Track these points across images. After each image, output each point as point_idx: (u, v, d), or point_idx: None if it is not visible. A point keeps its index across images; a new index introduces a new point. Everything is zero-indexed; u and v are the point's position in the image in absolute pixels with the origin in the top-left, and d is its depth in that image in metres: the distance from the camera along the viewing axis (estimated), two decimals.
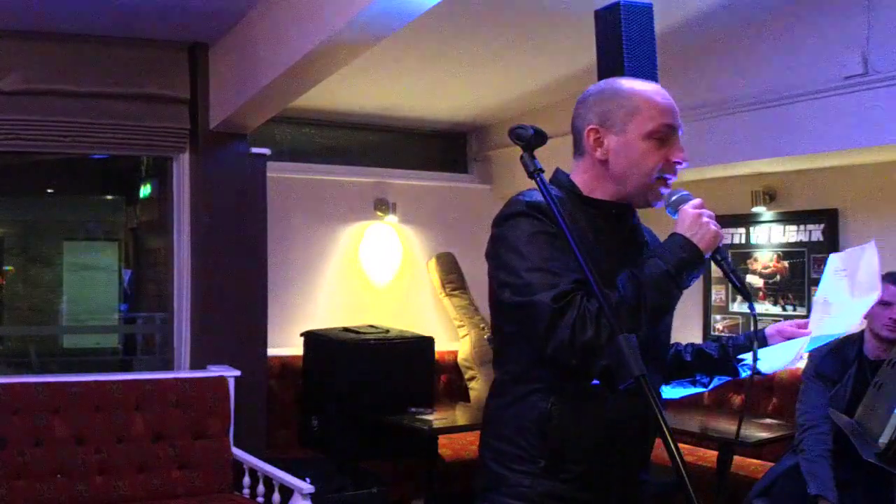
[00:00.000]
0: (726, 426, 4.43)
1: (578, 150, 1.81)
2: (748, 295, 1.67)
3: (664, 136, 1.72)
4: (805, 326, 1.87)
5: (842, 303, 1.84)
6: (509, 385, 1.77)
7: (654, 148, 1.72)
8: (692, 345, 1.99)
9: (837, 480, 3.35)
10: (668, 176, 1.74)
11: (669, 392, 1.98)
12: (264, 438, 4.87)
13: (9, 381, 4.15)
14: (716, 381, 1.96)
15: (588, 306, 1.56)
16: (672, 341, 1.96)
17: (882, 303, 3.43)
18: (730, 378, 1.93)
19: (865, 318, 3.49)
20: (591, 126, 1.77)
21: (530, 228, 1.65)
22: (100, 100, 4.59)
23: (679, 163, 1.73)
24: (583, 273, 1.51)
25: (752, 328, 1.77)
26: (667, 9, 3.86)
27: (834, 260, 1.92)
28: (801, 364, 1.79)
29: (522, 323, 1.67)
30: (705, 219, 1.65)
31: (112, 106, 4.62)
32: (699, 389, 1.99)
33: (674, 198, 1.72)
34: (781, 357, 1.78)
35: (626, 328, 1.48)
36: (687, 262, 1.62)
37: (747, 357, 1.83)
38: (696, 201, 1.70)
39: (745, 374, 1.86)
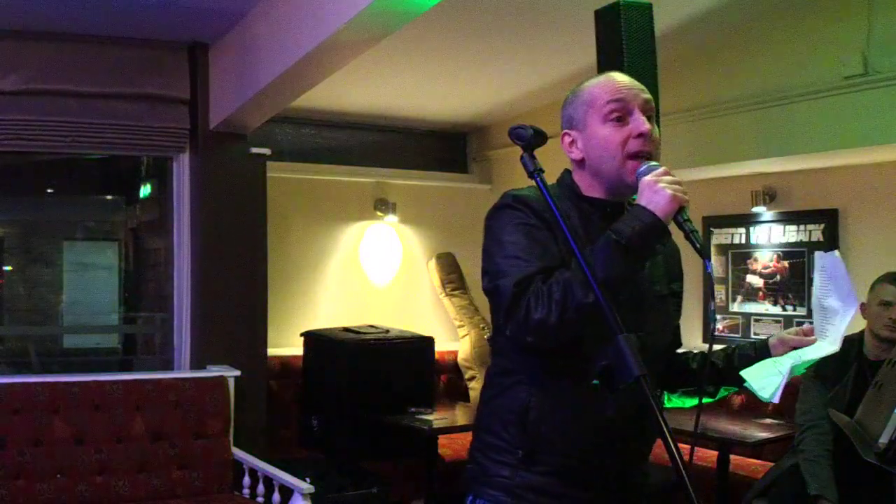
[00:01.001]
0: (726, 426, 4.42)
1: None
2: (704, 253, 1.65)
3: (619, 114, 1.74)
4: (810, 333, 1.85)
5: (834, 310, 1.83)
6: (497, 377, 1.82)
7: (614, 129, 1.74)
8: (701, 353, 2.00)
9: (837, 480, 3.35)
10: (637, 150, 1.72)
11: (677, 401, 2.00)
12: (264, 438, 4.87)
13: (9, 381, 4.15)
14: (722, 391, 1.96)
15: (543, 288, 1.60)
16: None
17: (882, 303, 3.43)
18: (736, 388, 1.93)
19: (865, 318, 3.50)
20: (563, 131, 1.84)
21: (512, 220, 1.72)
22: (100, 100, 4.59)
23: (642, 134, 1.72)
24: (558, 262, 1.61)
25: (710, 292, 1.77)
26: (667, 9, 3.85)
27: (818, 259, 1.91)
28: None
29: (493, 307, 1.73)
30: (661, 185, 1.63)
31: (112, 106, 4.62)
32: (706, 399, 1.98)
33: (641, 169, 1.70)
34: (769, 383, 1.77)
35: (577, 302, 1.54)
36: (639, 229, 1.60)
37: (746, 372, 1.82)
38: (660, 170, 1.68)
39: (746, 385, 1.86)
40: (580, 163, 1.81)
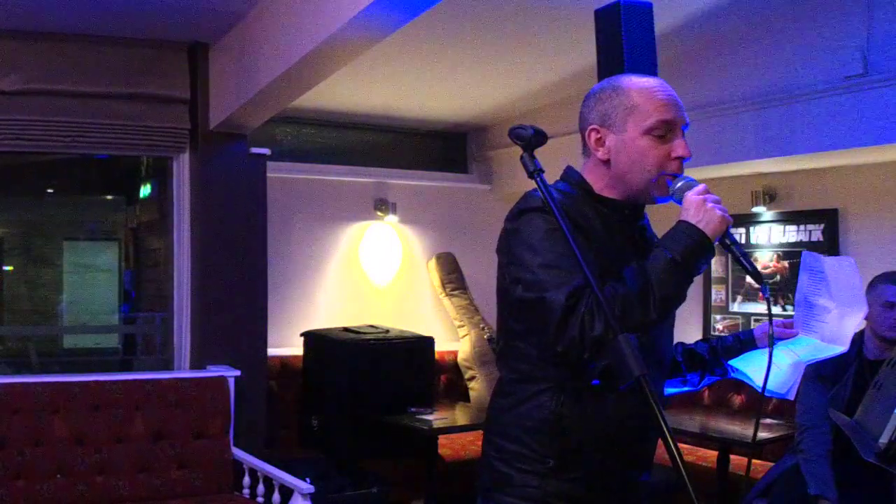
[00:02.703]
0: (726, 426, 4.43)
1: (585, 149, 1.81)
2: (760, 277, 1.64)
3: (663, 131, 1.70)
4: (791, 326, 1.89)
5: (824, 308, 1.84)
6: (516, 384, 1.76)
7: (653, 144, 1.70)
8: (682, 344, 1.99)
9: (837, 480, 3.35)
10: (673, 173, 1.71)
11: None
12: (264, 438, 4.86)
13: (9, 381, 4.15)
14: (705, 381, 1.96)
15: (596, 302, 1.55)
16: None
17: (886, 303, 3.43)
18: (719, 378, 1.94)
19: (866, 318, 3.49)
20: (592, 126, 1.77)
21: (545, 225, 1.64)
22: (100, 100, 4.59)
23: (681, 158, 1.71)
24: (595, 271, 1.51)
25: (769, 317, 1.75)
26: (667, 9, 3.86)
27: (807, 258, 1.92)
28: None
29: (533, 319, 1.66)
30: (710, 204, 1.62)
31: (112, 106, 4.62)
32: (688, 388, 1.99)
33: (678, 184, 1.69)
34: (773, 378, 1.78)
35: (636, 321, 1.49)
36: (693, 248, 1.59)
37: (739, 364, 1.83)
38: (701, 187, 1.66)
39: (733, 374, 1.88)
40: (605, 163, 1.76)
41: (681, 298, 1.63)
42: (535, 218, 1.66)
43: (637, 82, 1.75)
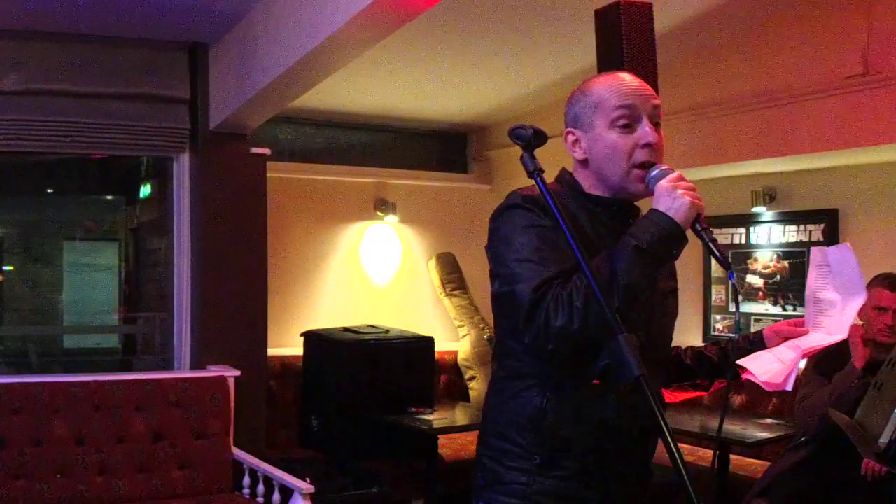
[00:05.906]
0: (726, 426, 4.42)
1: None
2: (728, 264, 1.64)
3: (628, 121, 1.70)
4: (801, 325, 1.89)
5: (830, 301, 1.86)
6: (506, 381, 1.77)
7: (620, 136, 1.70)
8: (692, 348, 1.99)
9: (835, 482, 3.35)
10: (644, 161, 1.70)
11: (669, 395, 1.98)
12: (264, 438, 4.87)
13: (9, 381, 4.15)
14: (715, 384, 1.97)
15: (562, 293, 1.55)
16: (673, 344, 1.96)
17: (877, 307, 3.42)
18: (730, 381, 1.93)
19: (861, 320, 3.48)
20: (567, 129, 1.80)
21: (523, 221, 1.66)
22: (100, 100, 4.59)
23: (649, 145, 1.69)
24: (573, 265, 1.52)
25: (735, 302, 1.77)
26: (667, 9, 3.86)
27: (816, 254, 1.93)
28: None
29: (507, 313, 1.68)
30: (680, 191, 1.61)
31: (112, 106, 4.62)
32: (699, 392, 1.99)
33: (653, 173, 1.68)
34: (774, 371, 1.78)
35: (600, 308, 1.48)
36: (660, 235, 1.58)
37: (744, 362, 1.83)
38: (674, 175, 1.65)
39: (744, 376, 1.87)
40: (583, 162, 1.77)
41: (647, 286, 1.62)
42: (513, 215, 1.69)
43: (601, 79, 1.78)
